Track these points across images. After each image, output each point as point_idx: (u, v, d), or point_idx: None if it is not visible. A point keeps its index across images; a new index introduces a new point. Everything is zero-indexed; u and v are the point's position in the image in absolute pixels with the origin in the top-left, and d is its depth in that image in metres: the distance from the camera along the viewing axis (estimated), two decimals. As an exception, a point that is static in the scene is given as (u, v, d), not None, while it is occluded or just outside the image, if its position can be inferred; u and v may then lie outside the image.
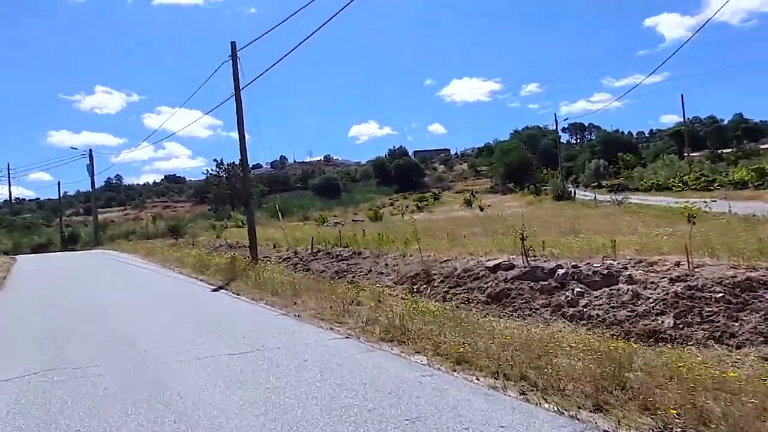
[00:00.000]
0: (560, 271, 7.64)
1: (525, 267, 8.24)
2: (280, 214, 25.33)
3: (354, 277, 11.67)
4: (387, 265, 11.58)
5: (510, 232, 14.76)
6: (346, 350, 5.76)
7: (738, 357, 5.10)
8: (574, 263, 7.75)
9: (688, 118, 78.59)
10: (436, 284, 9.36)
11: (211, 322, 7.50)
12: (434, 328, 6.42)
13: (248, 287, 10.85)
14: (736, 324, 5.53)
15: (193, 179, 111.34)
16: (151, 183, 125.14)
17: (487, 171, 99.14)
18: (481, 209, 35.24)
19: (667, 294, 6.28)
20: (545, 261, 8.45)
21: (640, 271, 6.96)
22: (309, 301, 9.04)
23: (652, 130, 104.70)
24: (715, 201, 16.26)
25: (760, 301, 5.64)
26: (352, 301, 8.71)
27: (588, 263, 7.64)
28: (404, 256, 11.64)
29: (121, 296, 10.53)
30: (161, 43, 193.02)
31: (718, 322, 5.67)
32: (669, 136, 73.66)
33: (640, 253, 8.03)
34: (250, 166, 60.69)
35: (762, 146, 53.40)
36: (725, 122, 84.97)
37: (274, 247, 18.07)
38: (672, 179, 37.47)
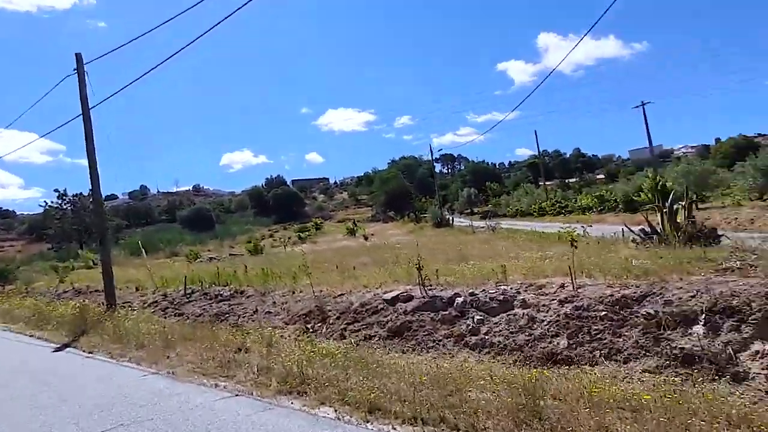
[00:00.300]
0: (459, 300, 7.55)
1: (424, 297, 8.05)
2: (143, 250, 22.74)
3: (238, 319, 10.62)
4: (275, 303, 10.72)
5: (400, 261, 14.89)
6: (239, 411, 4.95)
7: (627, 372, 5.30)
8: (470, 291, 7.73)
9: (538, 152, 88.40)
10: (331, 321, 8.78)
11: (55, 394, 6.08)
12: (338, 372, 5.87)
13: (105, 341, 9.28)
14: (620, 340, 5.78)
15: (26, 213, 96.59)
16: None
17: (368, 200, 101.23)
18: (366, 238, 35.33)
19: (559, 315, 6.44)
20: (442, 290, 8.35)
21: (531, 295, 7.11)
22: (186, 352, 7.92)
23: (510, 161, 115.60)
24: (589, 226, 17.95)
25: (636, 317, 5.98)
26: (239, 349, 7.82)
27: (483, 290, 7.67)
28: (294, 293, 10.88)
29: None
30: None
31: (605, 339, 5.89)
32: (526, 167, 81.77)
33: (527, 277, 8.30)
34: (104, 196, 54.63)
35: (598, 176, 61.44)
36: (568, 155, 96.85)
37: (137, 289, 16.01)
38: (532, 206, 41.24)
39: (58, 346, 9.19)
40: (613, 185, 42.50)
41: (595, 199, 32.74)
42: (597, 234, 18.46)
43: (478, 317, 7.09)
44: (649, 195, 24.93)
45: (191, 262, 28.27)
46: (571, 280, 6.85)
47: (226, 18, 10.46)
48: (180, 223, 78.17)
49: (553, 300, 6.80)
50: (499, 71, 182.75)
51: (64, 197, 47.24)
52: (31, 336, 10.57)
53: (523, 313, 6.78)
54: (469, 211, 59.56)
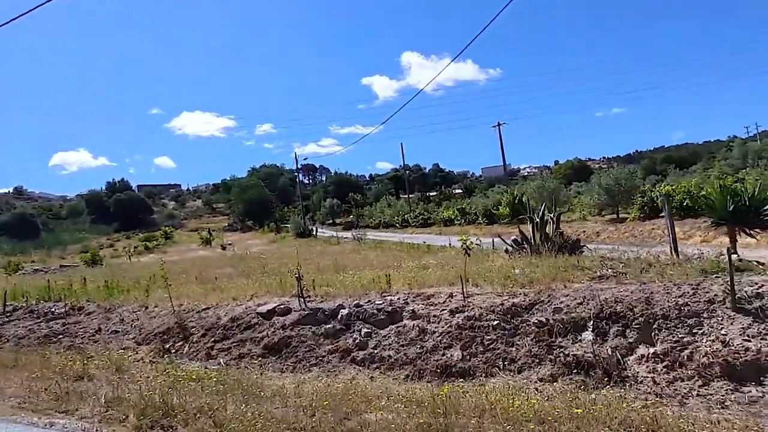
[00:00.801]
0: (343, 312, 7.07)
1: (303, 310, 7.42)
2: None
3: (75, 340, 8.86)
4: (123, 320, 9.17)
5: (268, 271, 13.90)
6: (85, 462, 3.86)
7: (523, 381, 5.29)
8: (355, 302, 7.31)
9: (399, 166, 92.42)
10: (195, 339, 7.68)
11: None
12: (211, 399, 4.99)
13: None
14: (514, 349, 5.81)
15: None
16: None
17: (224, 208, 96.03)
18: (224, 248, 33.09)
19: (451, 326, 6.32)
20: (322, 301, 7.80)
21: (421, 305, 6.92)
22: (6, 384, 6.28)
23: (371, 174, 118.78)
24: (474, 237, 18.56)
25: (528, 325, 6.09)
26: (80, 377, 6.45)
27: (369, 301, 7.30)
28: (147, 308, 9.44)
29: None
30: None
31: (499, 349, 5.88)
32: (389, 180, 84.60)
33: (412, 287, 8.14)
34: None
35: (456, 191, 65.99)
36: (427, 170, 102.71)
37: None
38: (396, 217, 42.50)
39: None
40: (471, 199, 45.74)
41: (457, 212, 34.76)
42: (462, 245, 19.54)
43: (366, 330, 6.69)
44: (508, 209, 27.20)
45: (11, 275, 23.71)
46: (462, 289, 6.79)
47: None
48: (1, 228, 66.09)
49: (443, 310, 6.67)
50: (363, 85, 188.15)
51: None
52: None
53: (413, 325, 6.53)
54: (331, 221, 59.54)
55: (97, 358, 7.19)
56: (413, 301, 7.10)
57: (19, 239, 58.54)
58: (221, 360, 7.05)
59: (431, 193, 65.19)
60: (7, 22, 9.47)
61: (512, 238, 11.70)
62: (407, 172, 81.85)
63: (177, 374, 6.31)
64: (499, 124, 47.73)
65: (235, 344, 7.29)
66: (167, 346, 7.83)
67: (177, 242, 52.54)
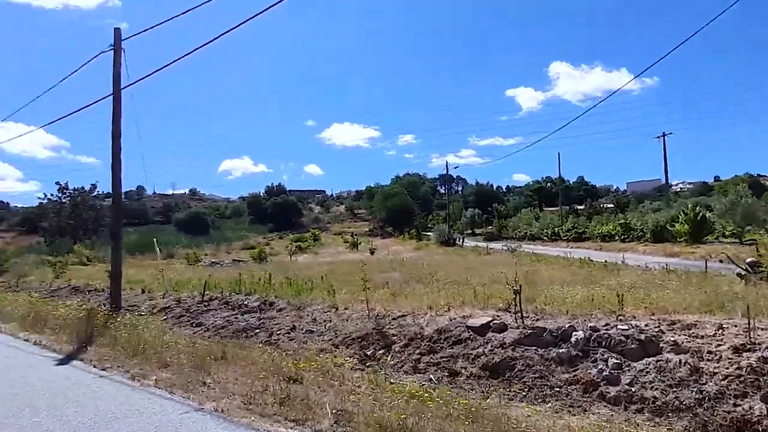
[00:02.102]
0: (577, 335, 6.00)
1: (523, 328, 6.49)
2: (158, 248, 20.97)
3: (271, 336, 8.95)
4: (315, 320, 9.09)
5: (438, 279, 13.32)
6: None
7: None
8: (590, 324, 6.18)
9: (541, 178, 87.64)
10: (398, 349, 7.16)
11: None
12: (456, 428, 4.28)
13: (118, 354, 7.61)
14: None
15: (20, 205, 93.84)
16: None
17: (365, 214, 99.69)
18: (372, 252, 33.71)
19: (739, 368, 4.91)
20: (538, 319, 6.81)
21: (683, 337, 5.58)
22: (224, 377, 6.29)
23: (508, 186, 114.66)
24: (648, 256, 16.50)
25: None
26: (291, 378, 6.18)
27: (607, 324, 6.13)
28: (336, 309, 9.27)
29: None
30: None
31: (821, 406, 4.35)
32: (532, 191, 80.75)
33: (648, 311, 6.78)
34: (102, 193, 52.41)
35: (607, 205, 60.50)
36: (571, 182, 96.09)
37: (143, 291, 14.27)
38: (545, 230, 39.86)
39: (62, 357, 7.45)
40: (628, 214, 41.25)
41: (618, 227, 31.37)
42: (640, 264, 17.10)
43: (614, 360, 5.53)
44: (686, 226, 23.67)
45: (192, 265, 26.51)
46: (749, 321, 5.31)
47: (241, 24, 8.98)
48: (175, 225, 76.05)
49: (719, 345, 5.27)
50: (507, 96, 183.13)
51: (64, 190, 45.19)
52: (26, 341, 8.78)
53: (680, 360, 5.23)
54: (470, 231, 58.13)
55: (303, 360, 7.00)
56: (669, 330, 5.78)
57: (194, 235, 66.30)
58: (431, 376, 6.40)
59: (579, 207, 60.48)
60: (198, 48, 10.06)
61: (747, 260, 9.63)
62: (550, 184, 77.38)
63: (391, 388, 5.76)
64: (663, 135, 42.69)
65: (444, 359, 6.60)
66: (366, 352, 7.44)
67: (324, 244, 55.27)
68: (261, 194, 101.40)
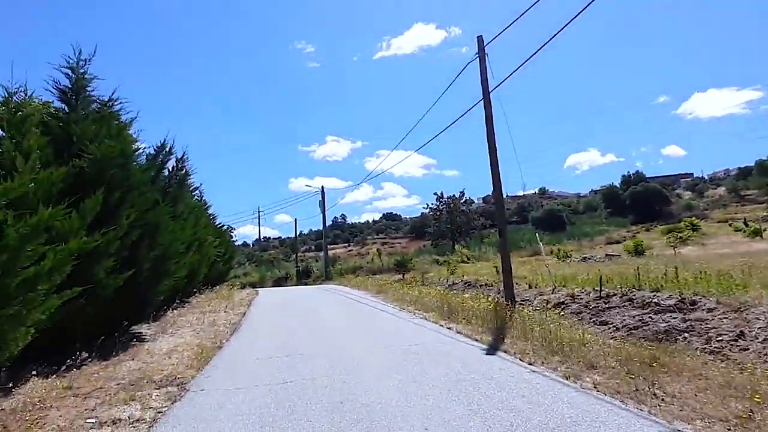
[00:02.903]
0: None
1: None
2: (542, 244, 21.47)
3: (709, 343, 7.26)
4: (773, 326, 6.87)
5: None
6: None
7: None
8: None
9: None
10: None
11: None
12: None
13: (534, 348, 7.42)
14: None
15: (408, 216, 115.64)
16: (371, 221, 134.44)
17: (757, 195, 79.50)
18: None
19: None
20: None
21: None
22: (677, 391, 5.13)
23: None
24: None
25: None
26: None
27: None
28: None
29: (367, 355, 7.51)
30: (381, 92, 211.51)
31: None
32: None
33: None
34: (469, 199, 58.75)
35: None
36: None
37: (530, 287, 14.39)
38: None
39: (486, 348, 7.84)
40: None
41: None
42: None
43: None
44: None
45: (562, 261, 26.04)
46: None
47: None
48: (532, 223, 78.34)
49: None
50: None
51: (440, 199, 53.02)
52: (449, 329, 9.84)
53: None
54: None
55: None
56: None
57: (550, 232, 66.51)
58: None
59: None
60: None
61: None
62: None
63: None
64: None
65: None
66: None
67: (707, 234, 46.26)
68: (616, 185, 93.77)
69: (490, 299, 12.03)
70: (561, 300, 11.73)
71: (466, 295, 14.53)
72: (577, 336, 7.63)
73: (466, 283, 18.38)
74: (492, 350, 7.63)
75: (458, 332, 9.37)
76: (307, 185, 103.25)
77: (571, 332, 8.06)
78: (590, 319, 10.17)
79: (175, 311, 13.63)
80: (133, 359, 7.80)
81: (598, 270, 14.18)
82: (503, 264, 13.15)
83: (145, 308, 10.43)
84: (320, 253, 77.99)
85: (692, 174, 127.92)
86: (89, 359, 7.07)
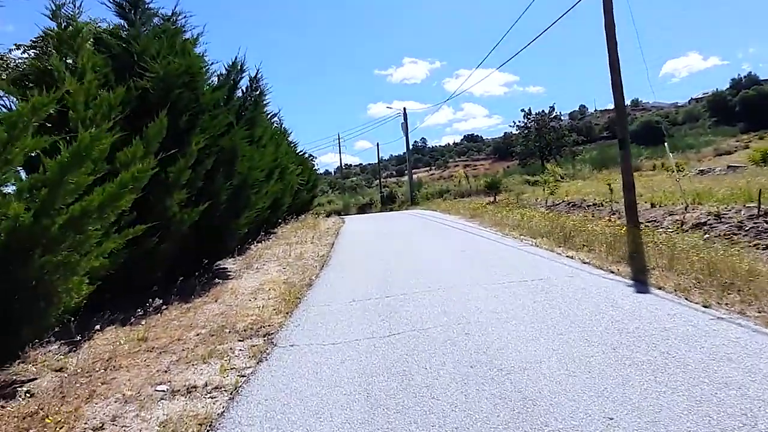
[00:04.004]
0: None
1: None
2: (671, 155, 18.68)
3: None
4: None
5: None
6: None
7: None
8: None
9: None
10: None
11: None
12: None
13: (698, 283, 5.74)
14: None
15: (489, 137, 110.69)
16: (451, 144, 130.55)
17: None
18: None
19: None
20: None
21: None
22: None
23: None
24: None
25: None
26: None
27: None
28: None
29: (483, 294, 6.06)
30: (459, 8, 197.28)
31: None
32: None
33: None
34: (560, 114, 53.75)
35: None
36: None
37: (653, 206, 12.25)
38: None
39: (630, 282, 6.24)
40: None
41: None
42: None
43: None
44: None
45: (673, 175, 22.90)
46: None
47: None
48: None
49: None
50: None
51: (528, 116, 48.98)
52: (569, 257, 8.25)
53: None
54: None
55: None
56: None
57: (648, 145, 60.46)
58: None
59: None
60: None
61: None
62: None
63: None
64: None
65: None
66: None
67: None
68: (723, 91, 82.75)
69: (611, 221, 10.20)
70: (702, 220, 9.64)
71: (574, 218, 12.71)
72: (740, 265, 5.86)
73: (569, 204, 16.39)
74: (641, 286, 6.03)
75: (584, 262, 7.77)
76: (388, 107, 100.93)
77: (734, 260, 6.25)
78: (749, 242, 8.13)
79: (260, 244, 13.11)
80: (216, 301, 7.11)
81: (746, 181, 11.70)
82: (624, 179, 11.12)
83: (227, 243, 9.76)
84: (402, 178, 77.03)
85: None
86: (170, 302, 6.38)
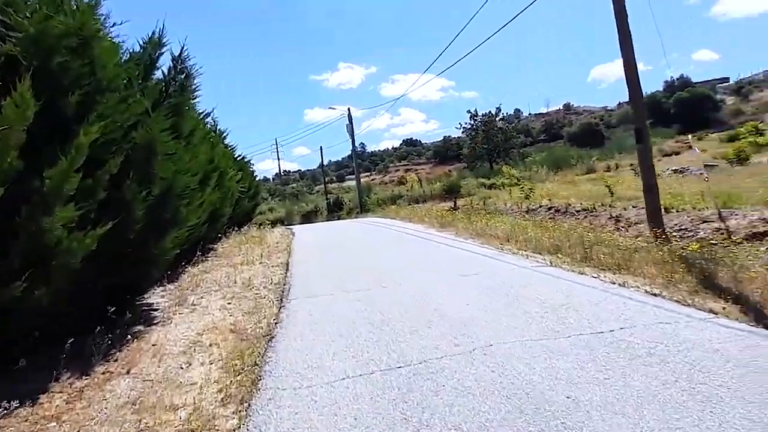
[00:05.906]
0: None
1: None
2: (696, 148, 17.40)
3: None
4: None
5: None
6: None
7: None
8: None
9: None
10: None
11: None
12: None
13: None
14: None
15: (428, 141, 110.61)
16: (391, 148, 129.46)
17: (816, 95, 72.43)
18: None
19: None
20: None
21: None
22: None
23: None
24: None
25: None
26: None
27: None
28: None
29: (540, 361, 4.43)
30: (396, 15, 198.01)
31: None
32: None
33: None
34: (506, 115, 53.38)
35: None
36: None
37: (667, 211, 10.70)
38: None
39: (761, 334, 4.30)
40: None
41: None
42: None
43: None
44: None
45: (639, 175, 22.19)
46: None
47: None
48: (568, 140, 73.10)
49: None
50: None
51: (475, 118, 48.01)
52: (621, 285, 6.18)
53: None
54: None
55: None
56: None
57: (589, 147, 61.62)
58: None
59: None
60: None
61: None
62: None
63: None
64: None
65: None
66: None
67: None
68: (657, 93, 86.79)
69: (623, 230, 8.42)
70: (758, 229, 8.01)
71: (574, 226, 10.93)
72: None
73: (552, 209, 14.71)
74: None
75: (651, 294, 5.72)
76: (331, 107, 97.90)
77: None
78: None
79: (197, 266, 10.44)
80: (128, 372, 4.59)
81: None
82: (645, 178, 9.54)
83: (147, 273, 7.08)
84: (344, 184, 74.31)
85: (728, 78, 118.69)
86: (54, 377, 3.81)
